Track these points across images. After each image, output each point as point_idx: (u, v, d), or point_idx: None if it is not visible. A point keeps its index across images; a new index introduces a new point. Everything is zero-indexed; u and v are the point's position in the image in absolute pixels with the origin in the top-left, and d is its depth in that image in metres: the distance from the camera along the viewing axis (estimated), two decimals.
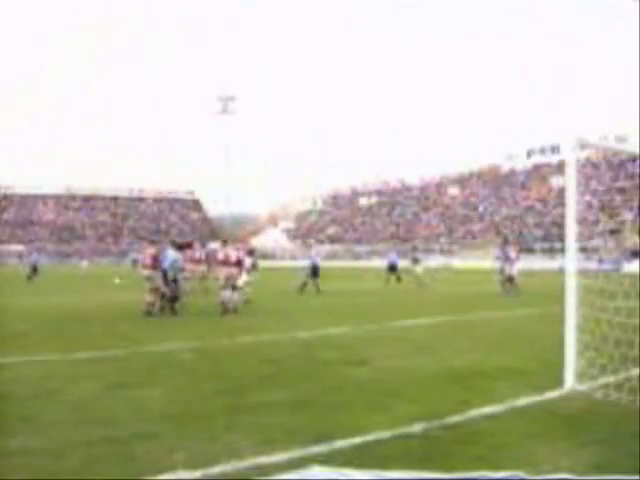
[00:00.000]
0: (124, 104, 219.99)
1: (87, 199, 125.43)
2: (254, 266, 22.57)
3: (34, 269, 41.24)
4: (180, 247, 19.51)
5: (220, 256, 18.53)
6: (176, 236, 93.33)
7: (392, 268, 33.79)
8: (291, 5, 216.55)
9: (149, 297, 17.42)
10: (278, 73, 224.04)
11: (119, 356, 10.76)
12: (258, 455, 5.45)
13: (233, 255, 18.26)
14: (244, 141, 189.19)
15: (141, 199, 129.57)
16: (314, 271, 27.31)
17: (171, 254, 17.97)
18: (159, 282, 17.52)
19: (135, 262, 59.23)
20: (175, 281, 17.77)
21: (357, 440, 5.88)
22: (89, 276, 51.15)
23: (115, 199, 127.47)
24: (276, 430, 6.30)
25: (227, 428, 6.38)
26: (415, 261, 33.11)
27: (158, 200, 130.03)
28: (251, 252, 23.59)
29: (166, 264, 17.67)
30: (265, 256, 76.88)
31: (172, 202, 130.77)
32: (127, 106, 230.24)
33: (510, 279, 24.75)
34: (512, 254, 25.54)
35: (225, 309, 17.46)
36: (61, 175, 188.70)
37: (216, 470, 5.16)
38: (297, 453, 5.51)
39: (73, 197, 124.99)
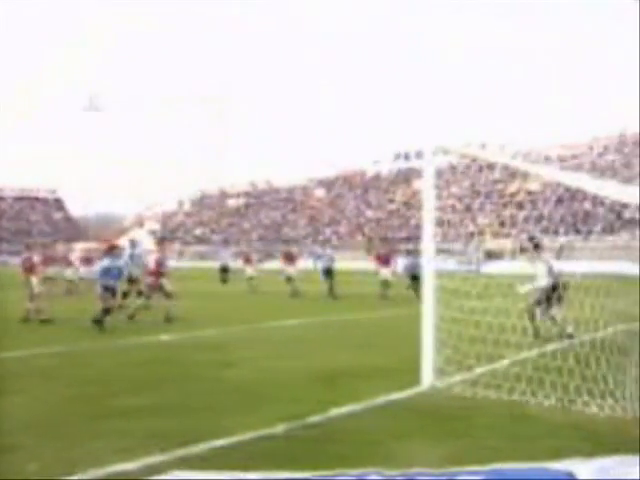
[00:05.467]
0: None
1: None
2: None
3: None
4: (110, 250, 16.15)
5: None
6: (37, 237, 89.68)
7: (224, 269, 34.94)
8: None
9: (29, 304, 16.56)
10: (144, 70, 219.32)
11: None
12: (119, 461, 5.33)
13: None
14: (111, 139, 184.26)
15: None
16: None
17: (105, 260, 15.38)
18: (36, 288, 16.66)
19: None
20: (108, 290, 14.85)
21: (220, 442, 5.87)
22: None
23: None
24: (139, 435, 6.19)
25: (89, 435, 6.22)
26: (247, 261, 32.66)
27: (18, 199, 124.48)
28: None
29: (99, 271, 15.20)
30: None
31: (33, 201, 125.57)
32: None
33: (386, 282, 24.72)
34: (389, 257, 25.80)
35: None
36: None
37: (73, 479, 5.02)
38: (159, 458, 5.42)
39: None
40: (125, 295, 17.72)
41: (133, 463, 5.33)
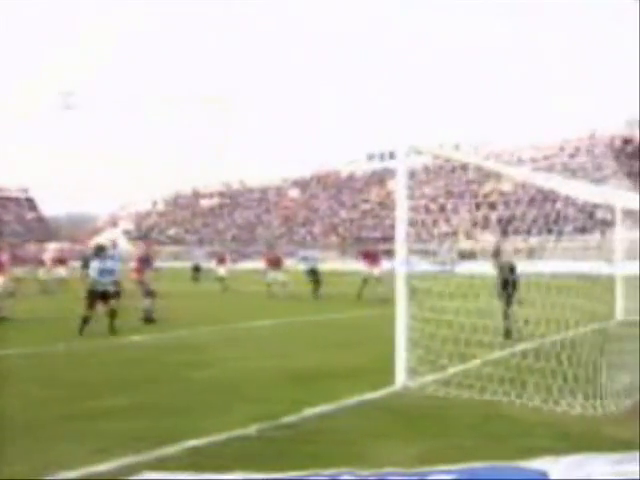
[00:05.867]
0: None
1: None
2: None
3: None
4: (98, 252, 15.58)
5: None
6: (9, 237, 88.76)
7: (196, 269, 34.98)
8: None
9: None
10: (121, 71, 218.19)
11: None
12: (90, 464, 5.29)
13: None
14: (84, 138, 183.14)
15: None
16: None
17: (95, 262, 14.71)
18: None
19: None
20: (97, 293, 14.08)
21: (193, 443, 5.84)
22: None
23: None
24: (112, 437, 6.14)
25: (60, 437, 6.16)
26: (220, 262, 32.59)
27: None
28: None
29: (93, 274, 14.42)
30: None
31: (4, 201, 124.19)
32: None
33: (369, 281, 24.21)
34: (378, 255, 25.62)
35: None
36: None
37: None
38: (131, 459, 5.39)
39: None
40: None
41: (106, 464, 5.29)
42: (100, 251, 15.44)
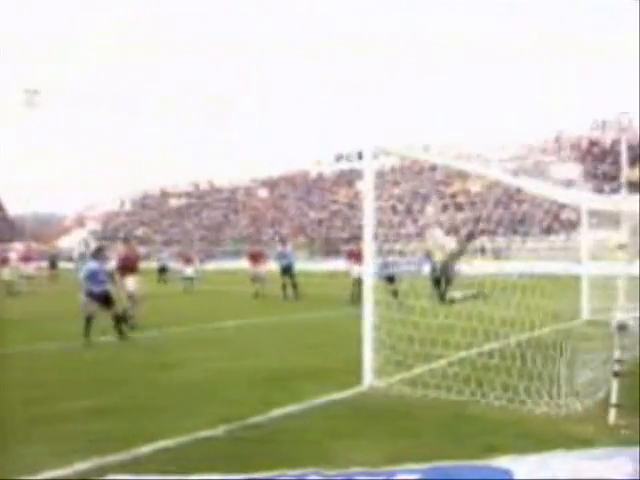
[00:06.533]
0: None
1: None
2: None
3: None
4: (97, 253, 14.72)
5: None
6: None
7: (162, 270, 34.95)
8: None
9: None
10: (87, 69, 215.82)
11: None
12: (54, 467, 5.23)
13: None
14: (50, 137, 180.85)
15: None
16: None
17: (91, 263, 13.90)
18: None
19: None
20: (94, 296, 13.25)
21: (159, 445, 5.80)
22: None
23: None
24: (77, 439, 6.08)
25: (23, 440, 6.08)
26: (187, 262, 32.44)
27: None
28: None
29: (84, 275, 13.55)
30: (72, 259, 73.61)
31: None
32: None
33: (359, 281, 23.68)
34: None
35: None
36: None
37: None
38: (96, 462, 5.33)
39: None
40: None
41: (69, 468, 5.23)
42: (98, 252, 14.72)
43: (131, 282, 15.89)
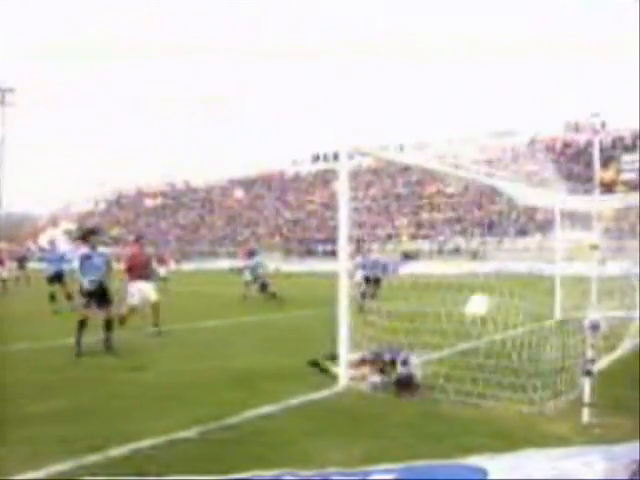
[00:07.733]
0: None
1: None
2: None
3: None
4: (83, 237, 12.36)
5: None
6: None
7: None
8: None
9: None
10: (61, 65, 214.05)
11: None
12: (26, 470, 5.15)
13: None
14: (23, 136, 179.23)
15: None
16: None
17: (83, 248, 11.95)
18: None
19: None
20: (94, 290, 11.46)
21: (132, 447, 5.75)
22: None
23: None
24: (48, 442, 5.98)
25: None
26: (161, 262, 32.12)
27: None
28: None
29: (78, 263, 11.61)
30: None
31: None
32: None
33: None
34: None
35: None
36: None
37: None
38: (69, 465, 5.27)
39: None
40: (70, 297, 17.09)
41: (39, 471, 5.16)
42: (90, 234, 12.41)
43: (149, 290, 14.36)
